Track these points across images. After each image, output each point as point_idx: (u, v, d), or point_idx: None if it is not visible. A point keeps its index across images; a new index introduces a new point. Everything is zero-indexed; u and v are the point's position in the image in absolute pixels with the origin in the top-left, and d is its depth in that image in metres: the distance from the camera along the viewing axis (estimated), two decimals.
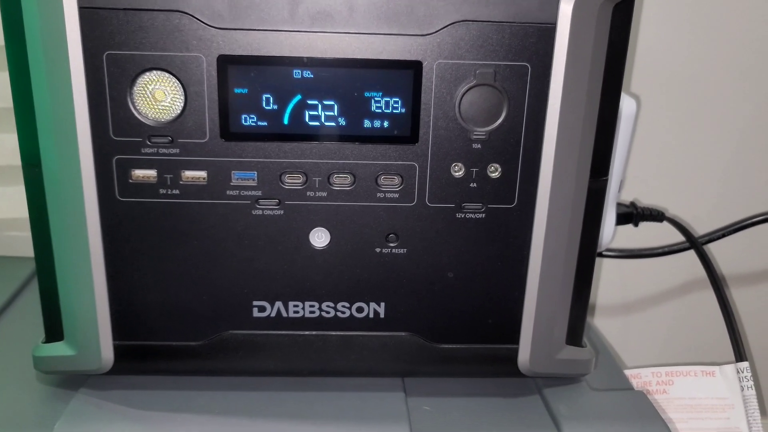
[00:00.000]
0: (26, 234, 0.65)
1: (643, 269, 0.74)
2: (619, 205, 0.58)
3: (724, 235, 0.62)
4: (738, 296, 0.75)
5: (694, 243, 0.61)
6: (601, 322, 0.76)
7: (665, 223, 0.62)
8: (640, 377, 0.57)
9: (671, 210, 0.71)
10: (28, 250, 0.64)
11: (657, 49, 0.66)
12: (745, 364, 0.56)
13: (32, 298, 0.58)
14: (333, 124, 0.40)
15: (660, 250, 0.64)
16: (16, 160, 0.63)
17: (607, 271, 0.74)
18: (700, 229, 0.66)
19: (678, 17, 0.65)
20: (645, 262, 0.71)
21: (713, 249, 0.64)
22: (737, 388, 0.55)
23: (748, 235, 0.63)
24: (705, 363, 0.58)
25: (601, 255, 0.63)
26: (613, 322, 0.77)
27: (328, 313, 0.44)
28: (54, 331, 0.44)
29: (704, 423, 0.55)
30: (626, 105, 0.50)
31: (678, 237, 0.63)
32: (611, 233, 0.56)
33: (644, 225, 0.61)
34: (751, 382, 0.55)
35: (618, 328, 0.77)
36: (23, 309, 0.56)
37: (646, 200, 0.71)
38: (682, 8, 0.65)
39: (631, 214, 0.60)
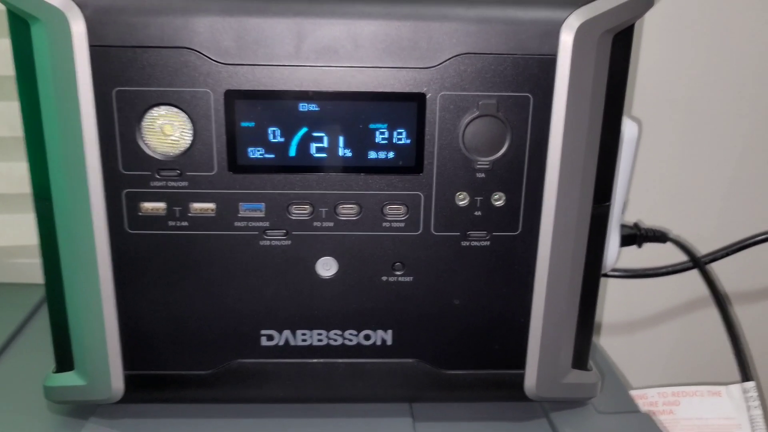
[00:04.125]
0: (33, 261, 0.65)
1: (647, 289, 0.74)
2: (622, 226, 0.59)
3: (727, 254, 0.62)
4: (741, 314, 0.75)
5: (698, 263, 0.61)
6: (605, 341, 0.77)
7: (668, 244, 0.62)
8: (646, 398, 0.57)
9: (674, 230, 0.71)
10: (35, 276, 0.65)
11: (656, 71, 0.66)
12: (751, 384, 0.56)
13: (41, 326, 0.58)
14: (339, 155, 0.41)
15: (664, 270, 0.64)
16: (23, 188, 0.64)
17: (611, 291, 0.75)
18: (702, 249, 0.66)
19: (677, 39, 0.65)
20: (649, 282, 0.72)
21: (716, 268, 0.64)
22: (744, 408, 0.56)
23: (751, 254, 0.63)
24: (710, 383, 0.58)
25: (605, 275, 0.63)
26: (618, 341, 0.77)
27: (335, 341, 0.45)
28: (64, 361, 0.44)
29: None
30: (628, 129, 0.50)
31: (681, 257, 0.63)
32: (615, 255, 0.57)
33: (648, 245, 0.61)
34: (757, 402, 0.55)
35: (622, 347, 0.77)
36: (32, 336, 0.57)
37: (649, 220, 0.71)
38: (681, 30, 0.65)
39: (634, 236, 0.60)
